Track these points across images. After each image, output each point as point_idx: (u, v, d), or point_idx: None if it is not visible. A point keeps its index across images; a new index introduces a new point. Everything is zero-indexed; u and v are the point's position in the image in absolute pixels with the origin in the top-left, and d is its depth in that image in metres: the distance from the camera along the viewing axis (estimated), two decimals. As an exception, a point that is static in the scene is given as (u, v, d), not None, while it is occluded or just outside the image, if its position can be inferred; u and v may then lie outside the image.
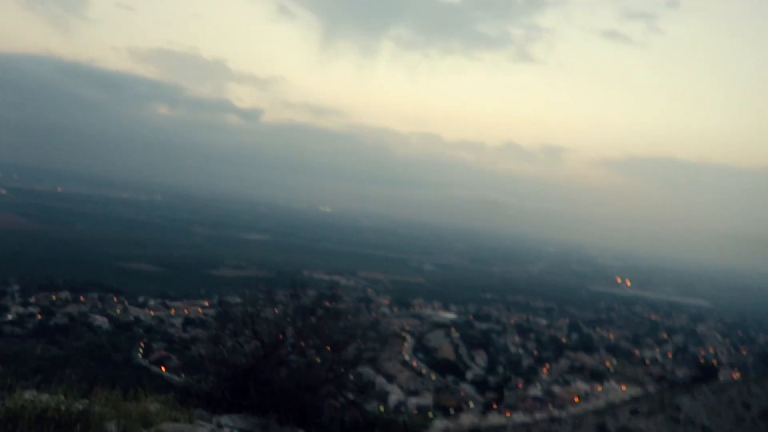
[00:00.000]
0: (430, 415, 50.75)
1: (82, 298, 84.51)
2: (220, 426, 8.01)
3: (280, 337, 10.71)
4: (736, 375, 67.03)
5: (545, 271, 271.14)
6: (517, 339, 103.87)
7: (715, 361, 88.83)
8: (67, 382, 7.30)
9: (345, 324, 12.09)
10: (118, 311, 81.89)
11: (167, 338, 73.44)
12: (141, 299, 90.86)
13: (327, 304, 12.07)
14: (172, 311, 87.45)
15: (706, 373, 73.19)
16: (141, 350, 66.34)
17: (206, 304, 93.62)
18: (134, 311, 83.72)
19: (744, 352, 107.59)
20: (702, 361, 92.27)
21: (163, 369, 56.82)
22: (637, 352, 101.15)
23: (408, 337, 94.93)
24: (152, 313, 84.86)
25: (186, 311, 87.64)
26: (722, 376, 67.88)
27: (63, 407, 5.99)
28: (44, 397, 6.42)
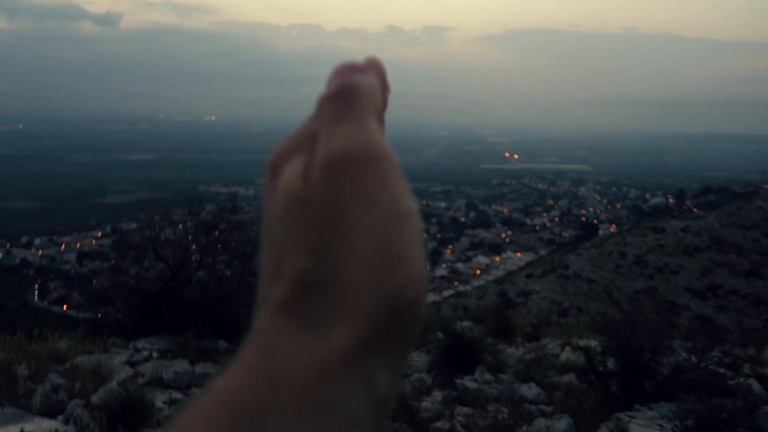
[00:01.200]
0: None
1: (-45, 247, 77.37)
2: (137, 350, 8.02)
3: (185, 255, 10.57)
4: (613, 228, 74.93)
5: (440, 155, 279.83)
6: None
7: (595, 220, 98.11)
8: (-39, 335, 6.91)
9: (250, 234, 12.05)
10: (0, 256, 76.00)
11: (63, 276, 69.77)
12: (24, 239, 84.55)
13: (228, 216, 11.91)
14: (63, 247, 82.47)
15: (588, 231, 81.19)
16: (36, 292, 62.83)
17: (99, 234, 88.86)
18: (19, 253, 78.07)
19: (618, 207, 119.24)
20: (584, 220, 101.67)
21: (65, 307, 54.54)
22: (528, 221, 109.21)
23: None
24: (40, 252, 79.59)
25: (78, 245, 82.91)
26: (602, 232, 75.66)
27: (-37, 360, 5.72)
28: (-62, 354, 6.07)
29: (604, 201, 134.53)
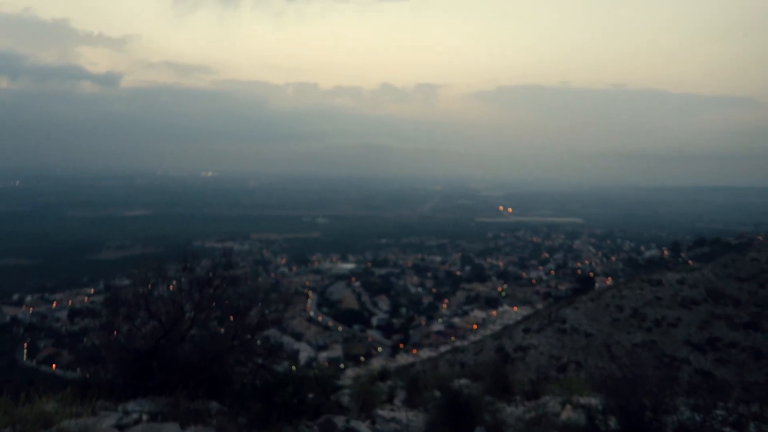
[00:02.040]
0: (342, 366, 52.04)
1: (-56, 306, 76.21)
2: (127, 413, 7.78)
3: (179, 312, 10.42)
4: (609, 281, 74.71)
5: (434, 209, 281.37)
6: (415, 279, 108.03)
7: (591, 273, 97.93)
8: (-55, 398, 6.72)
9: (244, 289, 11.94)
10: (-10, 313, 74.83)
11: (53, 334, 68.58)
12: (15, 297, 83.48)
13: (223, 272, 11.82)
14: (54, 304, 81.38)
15: (584, 284, 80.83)
16: (25, 351, 61.58)
17: (92, 291, 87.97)
18: (10, 311, 76.92)
19: (613, 259, 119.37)
20: (579, 273, 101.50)
21: (54, 367, 53.33)
22: (524, 274, 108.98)
23: (310, 293, 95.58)
24: (31, 309, 78.43)
25: (70, 302, 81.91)
26: (598, 285, 75.40)
27: (-55, 425, 5.54)
28: None
29: (599, 253, 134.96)
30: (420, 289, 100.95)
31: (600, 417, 6.44)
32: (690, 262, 63.07)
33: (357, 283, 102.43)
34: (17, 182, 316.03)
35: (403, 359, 41.84)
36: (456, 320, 75.82)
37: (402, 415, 8.93)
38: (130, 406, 8.08)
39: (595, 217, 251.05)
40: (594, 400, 8.37)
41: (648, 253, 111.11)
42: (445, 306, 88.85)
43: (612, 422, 6.31)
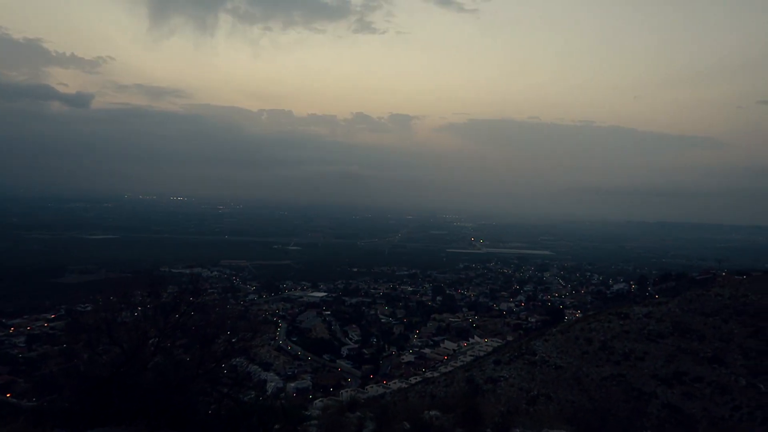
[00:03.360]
0: (310, 396, 51.08)
1: None
2: (83, 444, 7.43)
3: (142, 339, 10.09)
4: (578, 314, 75.41)
5: (406, 239, 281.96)
6: (386, 309, 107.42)
7: (561, 306, 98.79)
8: None
9: (212, 317, 11.68)
10: (-57, 338, 71.68)
11: (9, 360, 65.88)
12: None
13: (190, 299, 11.56)
14: (11, 330, 78.44)
15: (554, 316, 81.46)
16: (-22, 378, 58.74)
17: (52, 317, 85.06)
18: (-36, 335, 73.81)
19: (582, 292, 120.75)
20: (549, 305, 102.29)
21: (8, 395, 50.97)
22: (495, 305, 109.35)
23: (280, 321, 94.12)
24: (-13, 334, 75.38)
25: (29, 328, 79.02)
26: (567, 317, 76.00)
27: None
28: None
29: (569, 286, 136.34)
30: (391, 319, 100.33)
31: (571, 450, 6.38)
32: (656, 296, 64.19)
33: (328, 312, 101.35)
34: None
35: (373, 390, 41.23)
36: (427, 351, 75.36)
37: (371, 447, 8.74)
38: (87, 436, 7.73)
39: (565, 250, 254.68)
40: (565, 433, 8.31)
41: (616, 287, 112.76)
42: (416, 336, 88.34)
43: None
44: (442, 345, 78.17)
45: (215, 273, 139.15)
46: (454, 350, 72.23)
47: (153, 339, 10.57)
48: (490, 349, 58.63)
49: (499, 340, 70.95)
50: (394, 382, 46.95)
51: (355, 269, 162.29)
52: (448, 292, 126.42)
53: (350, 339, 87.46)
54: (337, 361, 77.36)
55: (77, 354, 10.45)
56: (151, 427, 7.81)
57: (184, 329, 11.04)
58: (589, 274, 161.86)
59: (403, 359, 73.41)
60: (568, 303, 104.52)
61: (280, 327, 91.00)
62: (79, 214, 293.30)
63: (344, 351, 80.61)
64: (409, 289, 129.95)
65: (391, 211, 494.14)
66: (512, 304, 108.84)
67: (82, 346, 10.50)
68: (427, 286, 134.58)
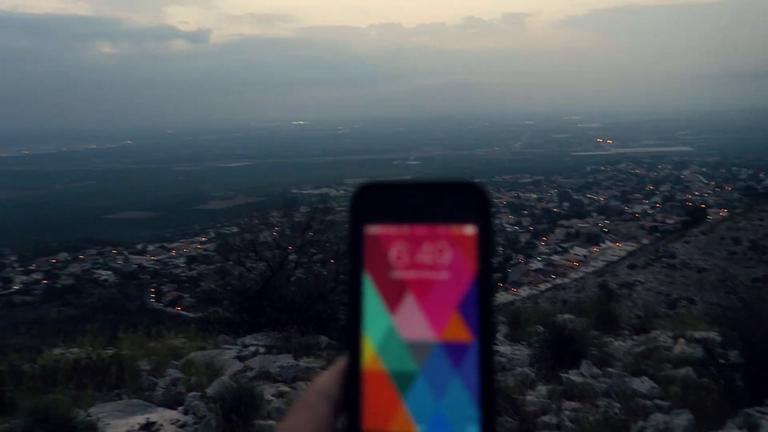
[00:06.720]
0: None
1: (81, 257, 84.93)
2: (245, 346, 8.40)
3: (284, 255, 10.96)
4: (723, 213, 69.64)
5: (527, 145, 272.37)
6: (511, 218, 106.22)
7: (702, 205, 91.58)
8: (91, 334, 7.54)
9: (342, 233, 12.29)
10: (119, 263, 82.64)
11: (175, 279, 74.65)
12: (139, 247, 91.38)
13: (321, 217, 12.22)
14: (173, 252, 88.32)
15: (695, 216, 75.79)
16: (152, 295, 67.67)
17: (203, 239, 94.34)
18: (136, 259, 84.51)
19: (728, 189, 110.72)
20: (689, 205, 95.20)
21: (178, 309, 58.23)
22: (627, 208, 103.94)
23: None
24: (154, 258, 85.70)
25: (186, 250, 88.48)
26: (710, 217, 70.51)
27: (94, 356, 6.24)
28: (74, 350, 6.67)
29: (712, 184, 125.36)
30: (516, 228, 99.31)
31: (719, 350, 6.11)
32: (819, 188, 57.19)
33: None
34: (129, 141, 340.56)
35: (501, 297, 41.83)
36: (555, 258, 74.18)
37: (505, 349, 8.97)
38: (248, 340, 8.71)
39: (707, 145, 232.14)
40: (711, 334, 7.96)
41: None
42: (543, 244, 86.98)
43: (733, 355, 5.97)
44: (571, 251, 76.45)
45: (341, 192, 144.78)
46: (584, 256, 70.49)
47: (292, 255, 11.45)
48: (623, 253, 56.50)
49: (634, 244, 67.93)
50: (524, 290, 47.18)
51: (476, 179, 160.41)
52: (575, 197, 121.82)
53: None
54: (465, 271, 78.67)
55: (229, 271, 11.64)
56: (302, 332, 8.61)
57: (318, 245, 11.81)
58: (735, 168, 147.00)
59: (531, 267, 73.04)
60: (711, 202, 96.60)
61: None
62: (214, 145, 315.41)
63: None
64: (534, 196, 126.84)
65: (509, 117, 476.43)
66: (646, 206, 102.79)
67: (233, 264, 11.66)
68: (552, 192, 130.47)
